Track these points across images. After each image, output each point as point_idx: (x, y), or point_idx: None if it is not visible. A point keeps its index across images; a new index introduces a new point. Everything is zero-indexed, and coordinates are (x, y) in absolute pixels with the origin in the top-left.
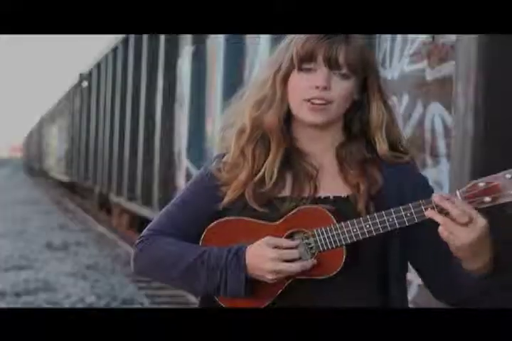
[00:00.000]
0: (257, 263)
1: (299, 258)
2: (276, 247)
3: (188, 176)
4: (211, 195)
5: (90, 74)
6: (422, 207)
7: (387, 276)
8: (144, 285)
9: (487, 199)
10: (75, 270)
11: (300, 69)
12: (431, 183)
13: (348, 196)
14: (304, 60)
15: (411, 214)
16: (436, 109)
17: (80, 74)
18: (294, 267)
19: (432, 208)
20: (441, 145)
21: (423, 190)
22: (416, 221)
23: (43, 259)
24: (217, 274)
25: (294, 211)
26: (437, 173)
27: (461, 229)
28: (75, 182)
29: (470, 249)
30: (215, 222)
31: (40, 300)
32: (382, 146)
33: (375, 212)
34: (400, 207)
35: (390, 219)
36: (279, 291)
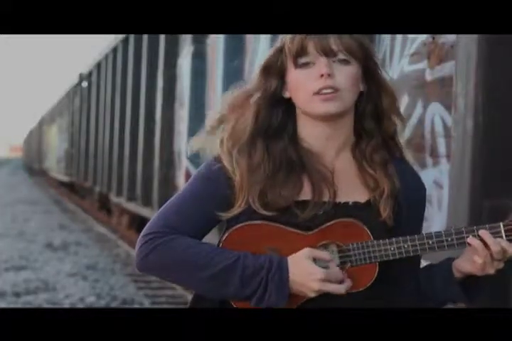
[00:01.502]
0: (303, 280)
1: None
2: (315, 260)
3: (188, 176)
4: (223, 195)
5: (90, 74)
6: (464, 235)
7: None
8: (144, 285)
9: None
10: (75, 270)
11: (297, 65)
12: (431, 183)
13: (366, 201)
14: (298, 55)
15: (452, 239)
16: (436, 109)
17: (80, 74)
18: (340, 289)
19: (474, 236)
20: (441, 145)
21: (420, 191)
22: (456, 247)
23: (43, 259)
24: (255, 284)
25: (332, 222)
26: (437, 173)
27: (492, 262)
28: (75, 182)
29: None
30: (238, 225)
31: (40, 300)
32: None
33: (394, 217)
34: (442, 232)
35: (430, 242)
36: (301, 302)
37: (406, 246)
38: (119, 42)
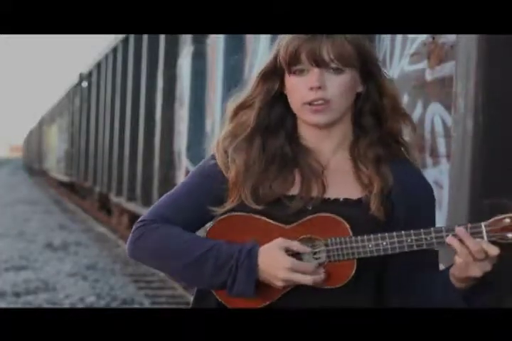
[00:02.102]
0: (270, 268)
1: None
2: (288, 251)
3: None
4: (218, 191)
5: (90, 74)
6: (444, 234)
7: (386, 289)
8: (144, 285)
9: (510, 235)
10: (75, 270)
11: (291, 72)
12: (431, 183)
13: (358, 198)
14: (292, 63)
15: (431, 238)
16: (436, 109)
17: (80, 74)
18: (307, 280)
19: (454, 236)
20: (441, 145)
21: (424, 192)
22: (434, 246)
23: (43, 259)
24: (226, 271)
25: (310, 216)
26: (437, 173)
27: (475, 263)
28: (75, 182)
29: (474, 278)
30: (224, 216)
31: (40, 300)
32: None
33: (385, 213)
34: (421, 230)
35: (409, 240)
36: (279, 295)
37: (384, 243)
38: (119, 42)
